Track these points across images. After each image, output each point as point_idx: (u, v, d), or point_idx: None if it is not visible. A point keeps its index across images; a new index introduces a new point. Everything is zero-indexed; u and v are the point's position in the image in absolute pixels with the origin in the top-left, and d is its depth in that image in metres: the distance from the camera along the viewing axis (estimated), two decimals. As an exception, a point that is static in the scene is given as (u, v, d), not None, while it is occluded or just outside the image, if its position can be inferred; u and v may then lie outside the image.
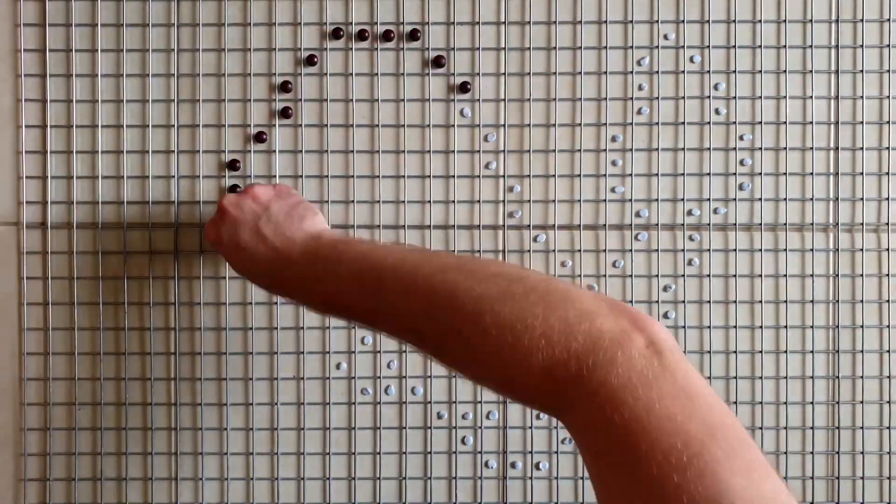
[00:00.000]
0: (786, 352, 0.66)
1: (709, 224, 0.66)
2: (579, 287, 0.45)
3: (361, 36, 0.66)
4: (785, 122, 0.66)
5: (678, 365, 0.38)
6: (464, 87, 0.66)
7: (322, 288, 0.52)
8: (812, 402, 0.66)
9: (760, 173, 0.66)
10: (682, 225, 0.66)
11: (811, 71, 0.66)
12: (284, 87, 0.66)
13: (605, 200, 0.66)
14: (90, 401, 0.66)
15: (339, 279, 0.50)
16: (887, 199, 0.66)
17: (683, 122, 0.66)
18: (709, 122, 0.66)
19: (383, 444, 0.67)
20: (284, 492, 0.67)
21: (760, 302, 0.66)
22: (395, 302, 0.47)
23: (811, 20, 0.66)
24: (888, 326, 0.66)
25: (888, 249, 0.66)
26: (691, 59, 0.66)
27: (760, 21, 0.66)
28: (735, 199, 0.66)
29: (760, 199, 0.66)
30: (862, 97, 0.66)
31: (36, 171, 0.66)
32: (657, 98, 0.66)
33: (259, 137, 0.66)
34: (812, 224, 0.66)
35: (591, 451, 0.38)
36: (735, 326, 0.67)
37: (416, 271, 0.47)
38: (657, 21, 0.66)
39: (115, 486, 0.67)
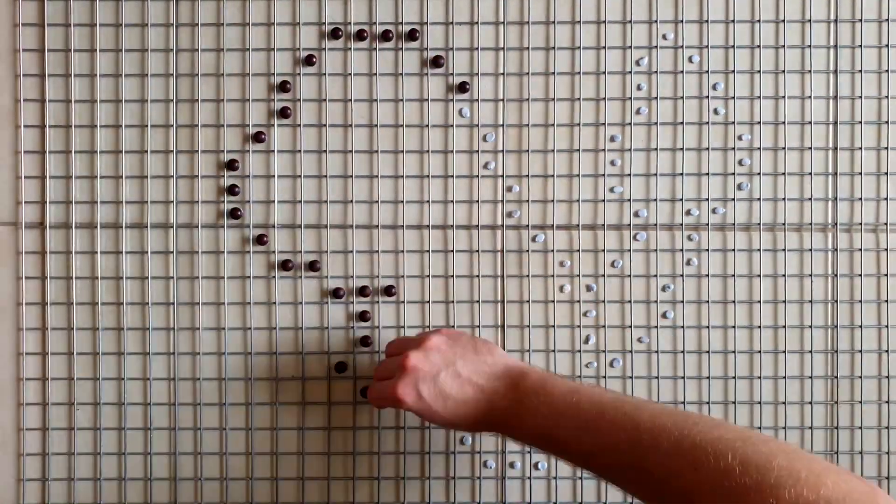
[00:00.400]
0: (784, 352, 0.66)
1: (707, 224, 0.66)
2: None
3: (360, 36, 0.66)
4: (784, 122, 0.66)
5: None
6: (462, 87, 0.66)
7: (534, 421, 0.53)
8: (811, 402, 0.66)
9: (759, 173, 0.66)
10: (681, 225, 0.66)
11: (810, 71, 0.66)
12: (283, 87, 0.66)
13: (603, 200, 0.66)
14: (89, 401, 0.66)
15: (554, 412, 0.52)
16: (886, 199, 0.66)
17: (682, 123, 0.66)
18: (707, 122, 0.66)
19: (382, 444, 0.67)
20: (284, 492, 0.67)
21: (759, 302, 0.66)
22: (617, 436, 0.49)
23: (810, 20, 0.66)
24: (887, 326, 0.66)
25: (887, 249, 0.66)
26: (690, 59, 0.66)
27: (759, 21, 0.66)
28: (734, 199, 0.66)
29: (759, 199, 0.66)
30: (861, 97, 0.66)
31: (34, 171, 0.66)
32: (656, 98, 0.66)
33: (258, 137, 0.66)
34: (811, 224, 0.66)
35: None
36: (734, 326, 0.67)
37: (640, 409, 0.50)
38: (656, 21, 0.66)
39: (115, 485, 0.67)
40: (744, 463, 0.43)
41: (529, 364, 0.59)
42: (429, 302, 0.67)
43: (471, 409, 0.55)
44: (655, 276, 0.66)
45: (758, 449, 0.43)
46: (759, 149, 0.66)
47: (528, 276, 0.67)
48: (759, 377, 0.67)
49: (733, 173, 0.66)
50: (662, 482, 0.46)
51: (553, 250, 0.67)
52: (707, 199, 0.66)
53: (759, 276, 0.66)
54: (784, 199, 0.66)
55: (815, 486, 0.40)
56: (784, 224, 0.66)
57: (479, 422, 0.56)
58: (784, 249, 0.66)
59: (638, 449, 0.48)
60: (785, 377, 0.67)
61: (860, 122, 0.66)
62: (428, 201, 0.66)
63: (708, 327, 0.67)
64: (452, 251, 0.66)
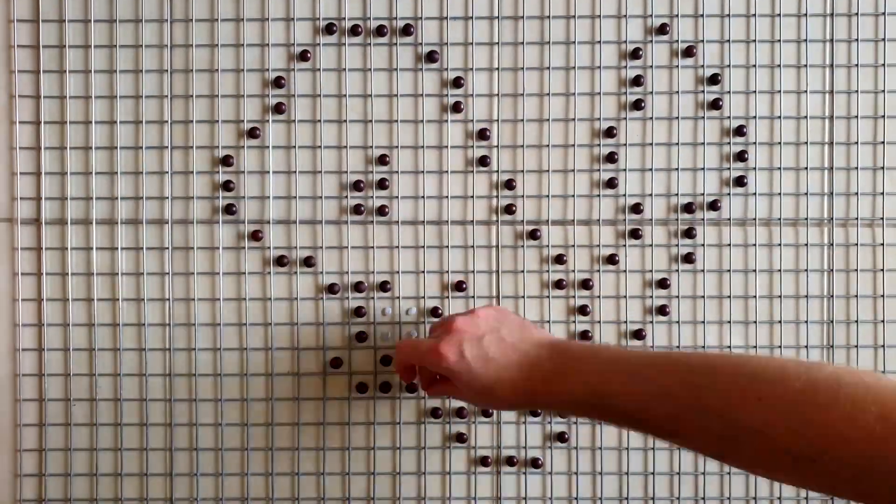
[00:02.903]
0: (780, 347, 0.66)
1: (703, 219, 0.66)
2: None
3: (354, 31, 0.66)
4: (780, 117, 0.66)
5: None
6: (457, 83, 0.66)
7: (580, 379, 0.52)
8: (806, 397, 0.66)
9: (755, 168, 0.66)
10: (676, 220, 0.66)
11: (806, 65, 0.66)
12: (277, 83, 0.66)
13: (598, 195, 0.66)
14: (85, 397, 0.67)
15: (602, 368, 0.51)
16: (882, 193, 0.66)
17: (678, 117, 0.66)
18: (703, 117, 0.66)
19: (378, 439, 0.67)
20: (279, 487, 0.67)
21: (755, 297, 0.66)
22: (670, 380, 0.48)
23: (806, 14, 0.66)
24: (883, 321, 0.66)
25: (883, 244, 0.66)
26: (686, 54, 0.66)
27: (755, 15, 0.66)
28: (729, 194, 0.66)
29: (755, 194, 0.66)
30: (857, 91, 0.66)
31: (30, 168, 0.66)
32: (651, 93, 0.66)
33: (252, 133, 0.66)
34: (807, 219, 0.66)
35: None
36: (729, 321, 0.66)
37: (691, 355, 0.49)
38: (651, 15, 0.66)
39: (111, 481, 0.67)
40: (810, 382, 0.42)
41: None
42: (424, 297, 0.67)
43: (513, 372, 0.54)
44: (651, 270, 0.66)
45: (821, 369, 0.43)
46: (755, 143, 0.66)
47: (523, 271, 0.67)
48: (755, 372, 0.66)
49: (729, 168, 0.66)
50: (723, 418, 0.45)
51: (548, 245, 0.66)
52: (702, 194, 0.66)
53: (755, 271, 0.66)
54: (780, 193, 0.66)
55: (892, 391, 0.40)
56: (780, 219, 0.66)
57: (517, 389, 0.54)
58: (780, 244, 0.66)
59: (693, 389, 0.47)
60: (780, 372, 0.66)
61: (856, 117, 0.66)
62: (422, 196, 0.66)
63: (703, 322, 0.66)
64: (447, 246, 0.66)
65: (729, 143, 0.66)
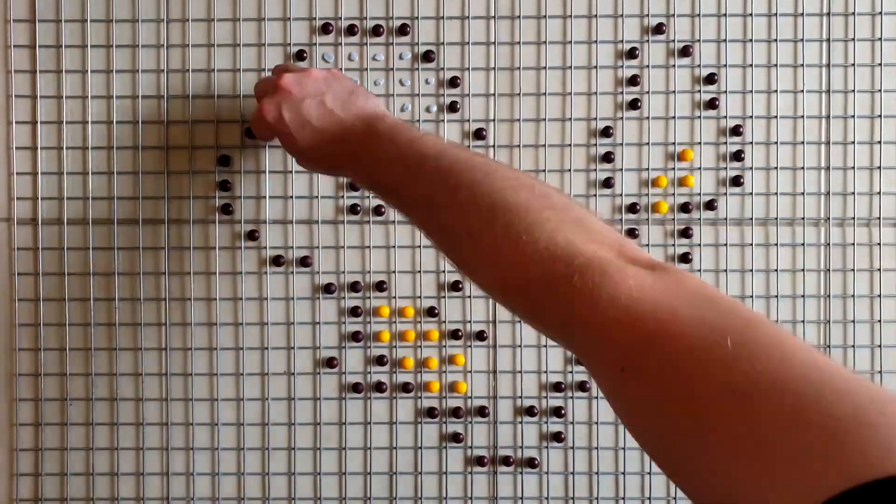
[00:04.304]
0: (777, 347, 0.66)
1: (699, 219, 0.66)
2: (595, 218, 0.44)
3: (351, 31, 0.66)
4: (776, 117, 0.66)
5: (690, 277, 0.38)
6: (453, 82, 0.66)
7: (374, 167, 0.52)
8: (803, 397, 0.66)
9: (751, 167, 0.66)
10: (673, 220, 0.66)
11: (803, 65, 0.66)
12: (274, 83, 0.66)
13: (595, 195, 0.66)
14: (82, 396, 0.67)
15: (389, 160, 0.51)
16: (879, 193, 0.66)
17: (674, 117, 0.66)
18: (699, 117, 0.66)
19: (373, 439, 0.67)
20: (275, 487, 0.67)
21: (751, 296, 0.66)
22: (428, 190, 0.47)
23: (802, 14, 0.65)
24: (880, 321, 0.66)
25: (880, 244, 0.66)
26: (682, 53, 0.66)
27: (751, 15, 0.66)
28: (726, 194, 0.66)
29: (751, 194, 0.66)
30: (854, 91, 0.66)
31: (26, 168, 0.66)
32: (647, 92, 0.66)
33: (249, 133, 0.66)
34: (803, 218, 0.66)
35: (614, 367, 0.36)
36: (726, 321, 0.66)
37: (457, 163, 0.47)
38: (647, 15, 0.66)
39: (108, 480, 0.67)
40: (506, 229, 0.42)
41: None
42: (420, 297, 0.67)
43: (326, 139, 0.55)
44: (647, 271, 0.66)
45: (530, 218, 0.42)
46: (752, 143, 0.66)
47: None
48: (752, 372, 0.66)
49: (725, 168, 0.66)
50: (460, 242, 0.45)
51: (544, 245, 0.66)
52: (699, 194, 0.66)
53: (752, 270, 0.66)
54: (777, 193, 0.66)
55: (568, 259, 0.39)
56: (776, 218, 0.66)
57: (330, 155, 0.55)
58: (777, 244, 0.66)
59: (436, 206, 0.47)
60: (777, 372, 0.66)
61: (853, 117, 0.66)
62: (419, 196, 0.66)
63: (700, 322, 0.66)
64: (444, 246, 0.66)
65: (726, 143, 0.66)
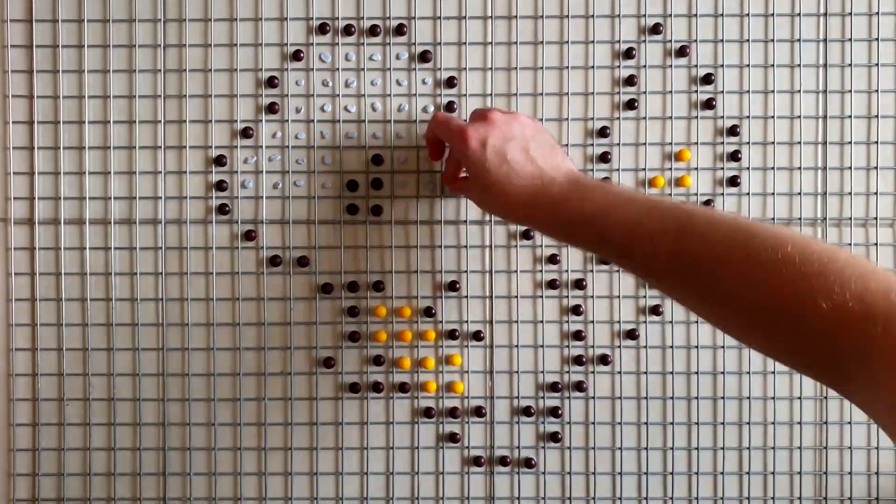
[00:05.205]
0: (773, 347, 0.66)
1: (696, 219, 0.66)
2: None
3: (348, 31, 0.66)
4: (773, 117, 0.66)
5: None
6: (450, 82, 0.66)
7: (583, 206, 0.51)
8: (800, 398, 0.66)
9: (748, 168, 0.66)
10: (670, 220, 0.66)
11: (799, 65, 0.66)
12: (271, 83, 0.66)
13: (592, 195, 0.66)
14: (79, 396, 0.67)
15: (608, 201, 0.51)
16: (876, 193, 0.66)
17: (671, 117, 0.66)
18: (696, 117, 0.66)
19: (371, 439, 0.67)
20: (272, 487, 0.67)
21: (748, 297, 0.66)
22: (669, 223, 0.47)
23: (799, 14, 0.65)
24: (876, 321, 0.66)
25: (876, 244, 0.66)
26: (679, 53, 0.66)
27: (748, 15, 0.66)
28: (723, 194, 0.66)
29: (748, 194, 0.66)
30: (850, 91, 0.66)
31: (23, 168, 0.66)
32: (644, 92, 0.66)
33: (245, 133, 0.66)
34: (800, 219, 0.66)
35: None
36: (723, 321, 0.66)
37: (698, 207, 0.48)
38: (644, 15, 0.66)
39: (105, 481, 0.67)
40: (804, 252, 0.41)
41: None
42: (417, 297, 0.67)
43: (524, 181, 0.54)
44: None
45: (819, 244, 0.42)
46: (749, 143, 0.66)
47: (516, 270, 0.66)
48: (748, 372, 0.66)
49: (722, 168, 0.66)
50: (710, 271, 0.45)
51: (541, 245, 0.66)
52: (696, 194, 0.66)
53: (748, 271, 0.66)
54: (773, 193, 0.66)
55: (884, 281, 0.39)
56: (773, 219, 0.66)
57: (522, 197, 0.54)
58: (773, 244, 0.66)
59: (688, 235, 0.46)
60: (774, 371, 0.66)
61: (850, 117, 0.66)
62: (416, 196, 0.66)
63: (697, 322, 0.66)
64: (440, 246, 0.66)
65: (723, 143, 0.66)
